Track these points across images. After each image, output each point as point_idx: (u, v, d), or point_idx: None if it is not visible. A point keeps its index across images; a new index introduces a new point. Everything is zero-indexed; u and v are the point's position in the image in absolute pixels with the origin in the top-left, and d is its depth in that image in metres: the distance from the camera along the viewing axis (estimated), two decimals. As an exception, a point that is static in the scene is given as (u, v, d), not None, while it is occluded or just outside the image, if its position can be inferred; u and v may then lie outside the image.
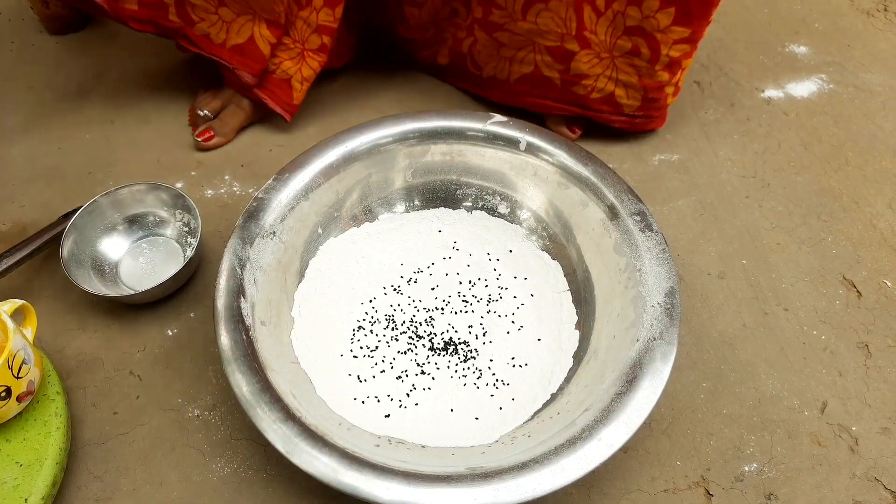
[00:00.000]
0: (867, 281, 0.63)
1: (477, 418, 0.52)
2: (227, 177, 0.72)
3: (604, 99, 0.71)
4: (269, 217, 0.56)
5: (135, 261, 0.64)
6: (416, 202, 0.65)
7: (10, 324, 0.48)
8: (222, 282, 0.51)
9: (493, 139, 0.62)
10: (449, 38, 0.77)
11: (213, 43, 0.69)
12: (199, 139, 0.73)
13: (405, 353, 0.56)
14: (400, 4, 0.75)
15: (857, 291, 0.63)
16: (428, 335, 0.57)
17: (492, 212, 0.65)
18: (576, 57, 0.68)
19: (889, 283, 0.63)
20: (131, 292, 0.58)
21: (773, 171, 0.73)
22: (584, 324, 0.56)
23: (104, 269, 0.62)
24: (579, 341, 0.55)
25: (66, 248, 0.59)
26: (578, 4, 0.64)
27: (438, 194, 0.65)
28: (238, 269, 0.52)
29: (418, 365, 0.55)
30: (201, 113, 0.75)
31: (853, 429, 0.54)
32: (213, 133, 0.74)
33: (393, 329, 0.57)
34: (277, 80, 0.73)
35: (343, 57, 0.81)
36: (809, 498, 0.51)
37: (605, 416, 0.44)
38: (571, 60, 0.68)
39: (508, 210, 0.64)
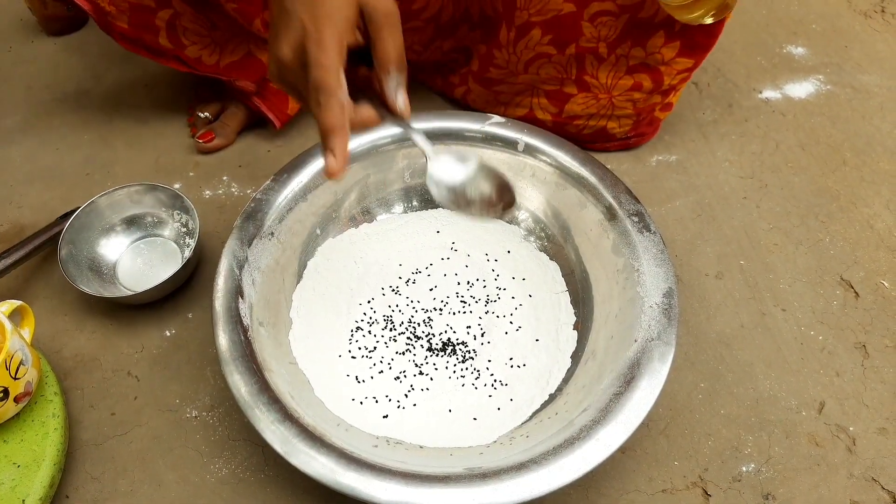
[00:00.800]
0: (864, 281, 0.63)
1: (475, 419, 0.52)
2: (225, 177, 0.72)
3: (595, 133, 0.71)
4: (268, 218, 0.56)
5: (133, 261, 0.64)
6: (415, 203, 0.65)
7: (7, 325, 0.48)
8: (220, 282, 0.51)
9: (491, 140, 0.62)
10: (439, 80, 0.77)
11: (205, 65, 0.67)
12: (201, 141, 0.73)
13: (403, 353, 0.56)
14: None
15: (855, 292, 0.63)
16: (426, 336, 0.57)
17: (490, 212, 0.65)
18: (572, 99, 0.68)
19: (886, 284, 0.63)
20: (129, 293, 0.58)
21: (770, 172, 0.73)
22: (583, 324, 0.56)
23: (102, 270, 0.62)
24: (577, 342, 0.55)
25: (64, 248, 0.59)
26: (581, 55, 0.64)
27: (437, 195, 0.65)
28: (236, 270, 0.52)
29: (416, 365, 0.55)
30: (201, 115, 0.75)
31: (850, 429, 0.54)
32: (214, 135, 0.73)
33: (391, 330, 0.57)
34: (275, 88, 0.72)
35: None
36: (807, 498, 0.51)
37: (603, 416, 0.45)
38: (567, 102, 0.68)
39: (507, 211, 0.65)
